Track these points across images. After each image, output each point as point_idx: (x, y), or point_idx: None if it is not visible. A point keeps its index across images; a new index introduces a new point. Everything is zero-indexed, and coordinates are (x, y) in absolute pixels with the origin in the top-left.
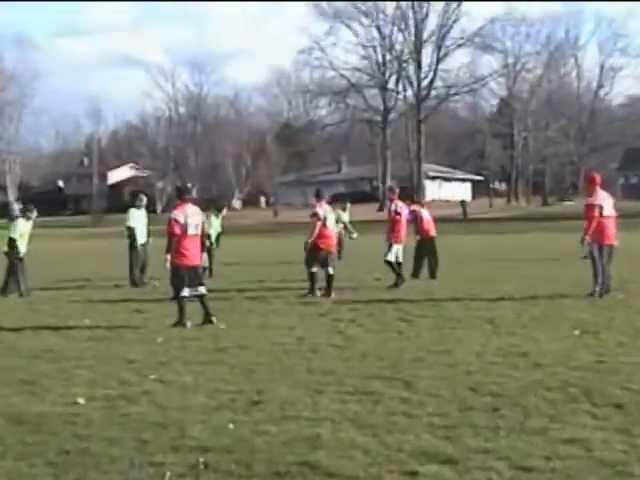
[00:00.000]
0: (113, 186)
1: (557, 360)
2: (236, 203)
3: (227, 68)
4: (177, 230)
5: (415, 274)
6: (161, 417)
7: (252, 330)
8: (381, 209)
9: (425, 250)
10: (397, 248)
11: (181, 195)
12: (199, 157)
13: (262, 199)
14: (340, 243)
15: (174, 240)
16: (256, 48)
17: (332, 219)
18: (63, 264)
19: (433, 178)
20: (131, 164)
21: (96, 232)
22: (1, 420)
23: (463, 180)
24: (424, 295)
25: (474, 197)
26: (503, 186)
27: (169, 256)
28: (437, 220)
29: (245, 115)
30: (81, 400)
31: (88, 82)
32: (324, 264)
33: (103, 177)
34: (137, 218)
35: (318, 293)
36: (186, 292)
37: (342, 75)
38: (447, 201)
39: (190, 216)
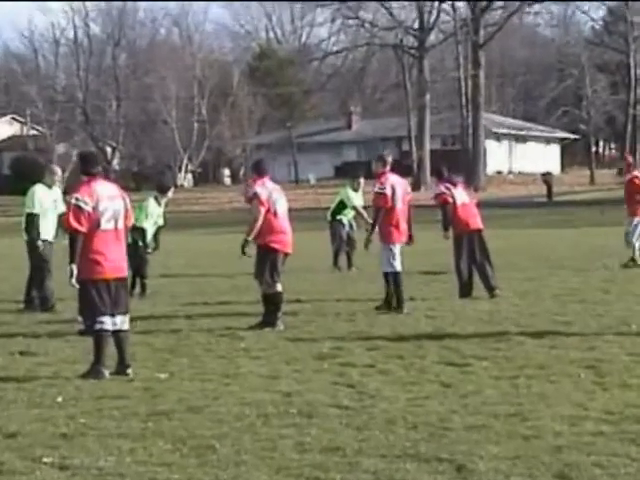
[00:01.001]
0: None
1: None
2: (184, 179)
3: None
4: (82, 222)
5: (464, 290)
6: None
7: (210, 382)
8: (415, 187)
9: (467, 250)
10: (399, 249)
11: (87, 167)
12: (123, 104)
13: (225, 172)
14: (350, 241)
15: (80, 238)
16: None
17: (283, 203)
18: None
19: (499, 137)
20: (12, 116)
21: None
22: None
23: (547, 140)
24: (482, 324)
25: (565, 168)
26: (612, 150)
27: (74, 266)
28: (480, 205)
29: (198, 38)
30: None
31: None
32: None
33: None
34: (45, 202)
35: (281, 326)
36: (107, 323)
37: None
38: (521, 174)
39: (103, 200)
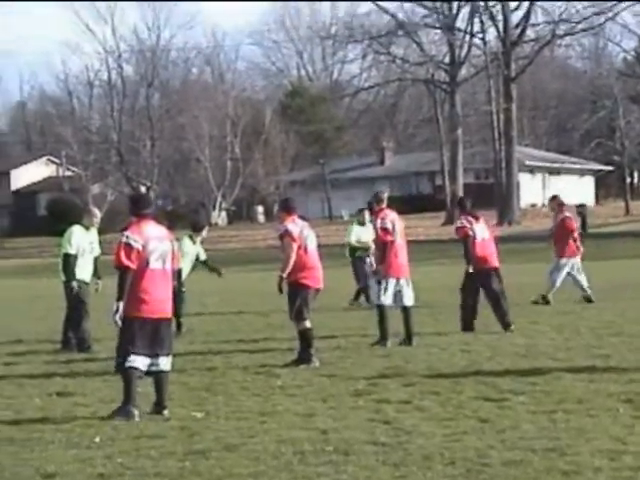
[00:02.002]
0: (19, 192)
1: None
2: (218, 217)
3: (199, 5)
4: (132, 259)
5: (466, 324)
6: None
7: (246, 420)
8: (449, 222)
9: (478, 287)
10: (392, 284)
11: (137, 208)
12: (157, 144)
13: (259, 209)
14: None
15: (127, 277)
16: None
17: (313, 240)
18: None
19: (532, 170)
20: (48, 157)
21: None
22: None
23: (581, 172)
24: (518, 358)
25: (600, 200)
26: None
27: (121, 304)
28: (498, 241)
29: (230, 77)
30: None
31: None
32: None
33: (3, 179)
34: (82, 243)
35: (316, 362)
36: (138, 362)
37: (384, 10)
38: None
39: (152, 240)
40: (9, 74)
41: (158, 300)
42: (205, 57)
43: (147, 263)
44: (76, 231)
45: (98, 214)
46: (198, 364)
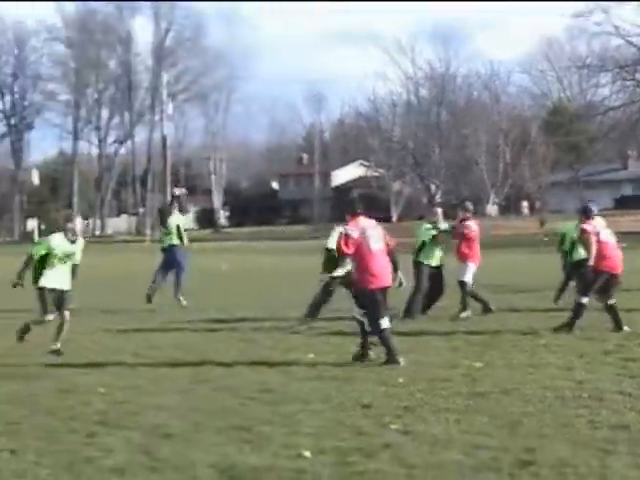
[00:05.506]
0: (338, 188)
1: None
2: (491, 209)
3: (480, 40)
4: (349, 247)
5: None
6: (406, 477)
7: (517, 370)
8: None
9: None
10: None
11: (352, 209)
12: (445, 150)
13: (524, 204)
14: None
15: (358, 259)
16: (515, 12)
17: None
18: (278, 286)
19: None
20: (360, 161)
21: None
22: (212, 473)
23: None
24: None
25: None
26: None
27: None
28: None
29: (503, 98)
30: (307, 453)
31: (307, 63)
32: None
33: (326, 177)
34: (424, 233)
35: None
36: (385, 323)
37: (631, 43)
38: None
39: (368, 229)
40: (332, 97)
41: (383, 274)
42: (483, 82)
43: (369, 247)
44: (422, 225)
45: (439, 211)
46: (477, 327)
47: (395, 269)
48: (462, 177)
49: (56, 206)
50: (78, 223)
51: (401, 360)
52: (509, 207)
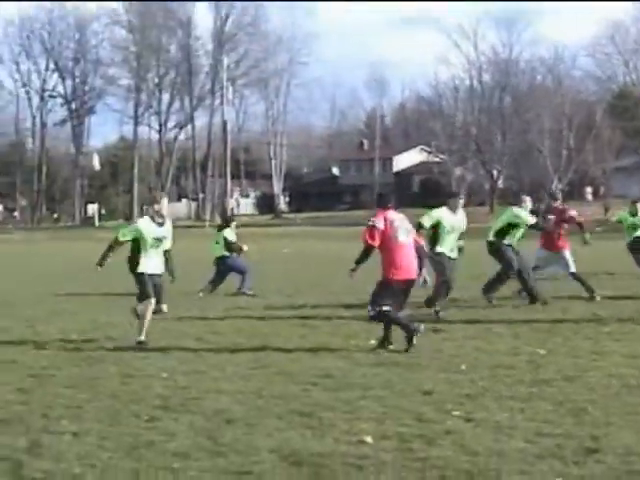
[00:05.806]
0: (399, 174)
1: None
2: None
3: (544, 24)
4: (375, 239)
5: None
6: (469, 463)
7: (581, 358)
8: None
9: None
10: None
11: (382, 203)
12: (507, 136)
13: (588, 190)
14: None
15: (384, 251)
16: None
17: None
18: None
19: None
20: (421, 146)
21: None
22: (274, 458)
23: None
24: None
25: None
26: None
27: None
28: None
29: (567, 82)
30: (369, 439)
31: (369, 48)
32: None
33: (387, 163)
34: (447, 224)
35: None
36: (387, 307)
37: None
38: None
39: (395, 221)
40: (394, 82)
41: (409, 266)
42: (547, 67)
43: (396, 239)
44: (440, 212)
45: (461, 200)
46: (540, 314)
47: (420, 267)
48: (524, 163)
49: (116, 191)
50: (165, 204)
51: (421, 327)
52: (572, 193)
